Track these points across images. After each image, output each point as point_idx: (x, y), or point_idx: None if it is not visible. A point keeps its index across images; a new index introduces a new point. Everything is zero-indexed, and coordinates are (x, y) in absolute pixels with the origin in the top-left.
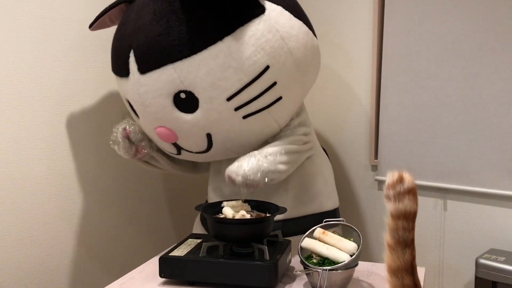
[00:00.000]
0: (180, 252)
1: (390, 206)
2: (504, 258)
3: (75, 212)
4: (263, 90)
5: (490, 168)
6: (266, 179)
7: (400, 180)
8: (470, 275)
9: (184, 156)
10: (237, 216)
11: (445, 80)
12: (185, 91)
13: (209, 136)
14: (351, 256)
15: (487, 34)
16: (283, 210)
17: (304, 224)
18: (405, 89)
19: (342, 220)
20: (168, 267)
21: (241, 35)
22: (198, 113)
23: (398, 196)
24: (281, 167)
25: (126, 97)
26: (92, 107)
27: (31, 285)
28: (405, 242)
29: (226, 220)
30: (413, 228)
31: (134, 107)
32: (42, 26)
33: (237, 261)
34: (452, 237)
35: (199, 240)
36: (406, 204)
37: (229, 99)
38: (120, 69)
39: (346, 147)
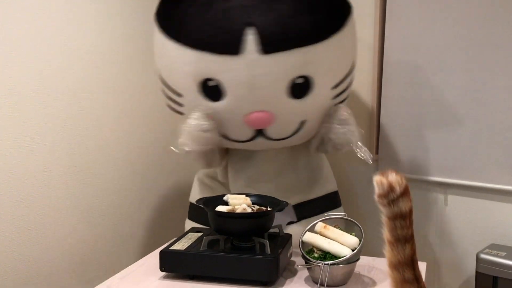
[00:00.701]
0: (180, 246)
1: (384, 211)
2: (505, 253)
3: (74, 204)
4: (351, 80)
5: (492, 163)
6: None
7: (391, 188)
8: (471, 270)
9: (258, 143)
10: (238, 210)
11: (447, 75)
12: (304, 77)
13: (302, 123)
14: (353, 250)
15: (490, 29)
16: (284, 204)
17: (316, 206)
18: (406, 83)
19: (344, 215)
20: (168, 261)
21: (351, 24)
22: (307, 99)
23: (392, 203)
24: None
25: (215, 76)
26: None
27: (31, 278)
28: (404, 238)
29: (227, 214)
30: (411, 224)
31: (229, 89)
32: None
33: (238, 255)
34: (453, 232)
35: (199, 234)
36: (400, 206)
37: (334, 87)
38: (226, 45)
39: None
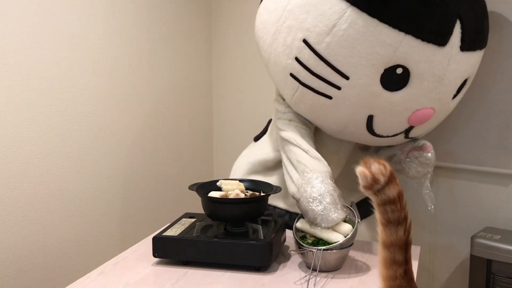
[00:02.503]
0: (173, 231)
1: (373, 199)
2: (499, 236)
3: (67, 192)
4: None
5: (486, 146)
6: None
7: (374, 180)
8: (465, 253)
9: (396, 139)
10: (231, 196)
11: None
12: (467, 79)
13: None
14: (345, 236)
15: None
16: (278, 189)
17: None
18: None
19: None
20: (161, 247)
21: None
22: (455, 100)
23: (378, 192)
24: None
25: (408, 64)
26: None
27: (24, 265)
28: (396, 221)
29: (220, 200)
30: (402, 207)
31: (418, 80)
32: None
33: (231, 241)
34: (447, 215)
35: (193, 220)
36: (387, 193)
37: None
38: (437, 33)
39: None
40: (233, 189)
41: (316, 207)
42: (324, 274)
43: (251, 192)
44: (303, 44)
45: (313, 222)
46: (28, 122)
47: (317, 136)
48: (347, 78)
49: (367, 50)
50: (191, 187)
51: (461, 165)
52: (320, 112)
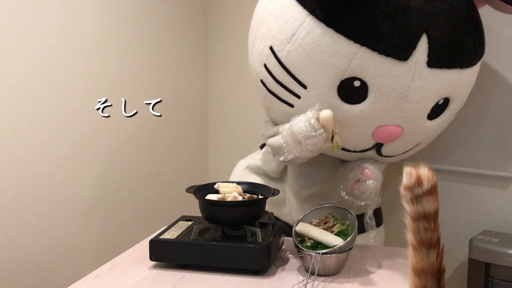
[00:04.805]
0: (170, 234)
1: (408, 208)
2: (497, 240)
3: (61, 194)
4: None
5: (484, 149)
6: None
7: (418, 181)
8: (463, 256)
9: (365, 155)
10: (229, 198)
11: None
12: (446, 99)
13: (417, 145)
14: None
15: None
16: (276, 191)
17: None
18: None
19: (338, 203)
20: (158, 250)
21: None
22: (435, 121)
23: (416, 199)
24: None
25: (365, 77)
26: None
27: (17, 269)
28: (429, 243)
29: (218, 202)
30: (436, 228)
31: (376, 95)
32: None
33: (229, 244)
34: (445, 218)
35: (190, 223)
36: (424, 205)
37: (455, 113)
38: (397, 47)
39: None
40: (230, 192)
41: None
42: (322, 278)
43: (249, 194)
44: (270, 51)
45: (306, 136)
46: (21, 124)
47: (290, 170)
48: (305, 87)
49: (322, 60)
50: (188, 190)
51: (459, 168)
52: (287, 120)
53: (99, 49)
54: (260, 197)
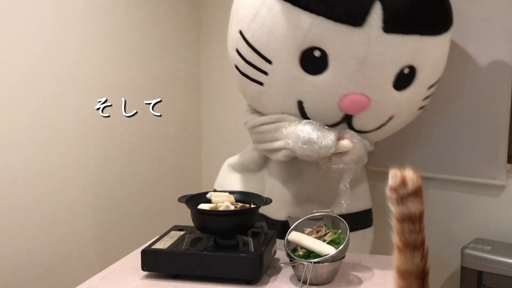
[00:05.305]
0: (162, 244)
1: (393, 209)
2: (490, 248)
3: (53, 204)
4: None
5: (476, 157)
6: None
7: (403, 183)
8: (456, 264)
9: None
10: (221, 208)
11: None
12: (411, 67)
13: (390, 118)
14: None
15: (474, 22)
16: (268, 201)
17: (349, 221)
18: None
19: (331, 211)
20: (150, 260)
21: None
22: (405, 92)
23: (401, 200)
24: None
25: (324, 46)
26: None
27: (8, 279)
28: (413, 245)
29: (210, 212)
30: (421, 230)
31: (336, 63)
32: None
33: (221, 254)
34: (437, 227)
35: (182, 232)
36: (409, 206)
37: (430, 87)
38: (350, 14)
39: None
40: (223, 201)
41: (311, 144)
42: (315, 287)
43: (241, 204)
44: (240, 35)
45: (318, 155)
46: (12, 133)
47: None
48: (270, 62)
49: (282, 34)
50: (180, 199)
51: (450, 177)
52: (259, 101)
53: (91, 63)
54: (252, 206)
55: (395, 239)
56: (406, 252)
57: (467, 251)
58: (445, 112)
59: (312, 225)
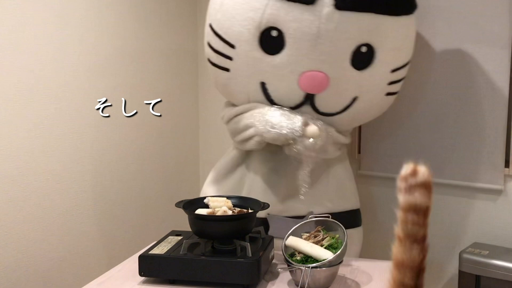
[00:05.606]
0: (160, 250)
1: (400, 198)
2: (487, 252)
3: (50, 210)
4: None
5: (474, 161)
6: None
7: (413, 173)
8: (453, 269)
9: (304, 110)
10: (219, 213)
11: (427, 73)
12: (369, 46)
13: (354, 99)
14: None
15: (470, 25)
16: (266, 205)
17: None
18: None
19: (328, 216)
20: (148, 265)
21: (415, 21)
22: (365, 72)
23: (409, 189)
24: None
25: (280, 25)
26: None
27: (4, 286)
28: (414, 237)
29: (207, 217)
30: (424, 225)
31: (292, 41)
32: None
33: (218, 259)
34: (435, 231)
35: (179, 238)
36: (416, 197)
37: (393, 70)
38: None
39: None
40: (220, 206)
41: (279, 127)
42: None
43: (239, 209)
44: (210, 29)
45: (285, 138)
46: (9, 139)
47: (257, 154)
48: (233, 46)
49: (242, 17)
50: (178, 204)
51: (449, 181)
52: (227, 88)
53: (90, 67)
54: (249, 211)
55: (397, 229)
56: (406, 243)
57: (465, 255)
58: (442, 116)
59: (306, 228)
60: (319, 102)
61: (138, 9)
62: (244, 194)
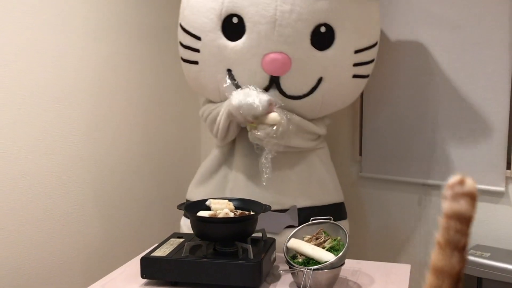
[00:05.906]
0: (162, 252)
1: (444, 205)
2: (489, 254)
3: (51, 212)
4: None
5: (475, 163)
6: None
7: (461, 182)
8: None
9: (272, 94)
10: (221, 215)
11: (429, 75)
12: (327, 26)
13: (319, 80)
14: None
15: (471, 28)
16: (268, 207)
17: (322, 213)
18: (389, 84)
19: (330, 218)
20: (150, 268)
21: (378, 5)
22: (327, 52)
23: (455, 196)
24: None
25: (239, 11)
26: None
27: (8, 286)
28: (455, 244)
29: (209, 219)
30: (466, 234)
31: (252, 25)
32: None
33: (220, 261)
34: (437, 233)
35: (181, 240)
36: (461, 204)
37: (356, 51)
38: None
39: (330, 143)
40: (222, 208)
41: (248, 101)
42: None
43: (241, 211)
44: (180, 28)
45: (252, 112)
46: (10, 141)
47: (238, 149)
48: (199, 38)
49: (204, 9)
50: (179, 207)
51: None
52: (198, 82)
53: (91, 69)
54: (251, 213)
55: (438, 236)
56: (446, 250)
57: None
58: (444, 118)
59: (309, 230)
60: (285, 84)
61: (140, 11)
62: (228, 191)
